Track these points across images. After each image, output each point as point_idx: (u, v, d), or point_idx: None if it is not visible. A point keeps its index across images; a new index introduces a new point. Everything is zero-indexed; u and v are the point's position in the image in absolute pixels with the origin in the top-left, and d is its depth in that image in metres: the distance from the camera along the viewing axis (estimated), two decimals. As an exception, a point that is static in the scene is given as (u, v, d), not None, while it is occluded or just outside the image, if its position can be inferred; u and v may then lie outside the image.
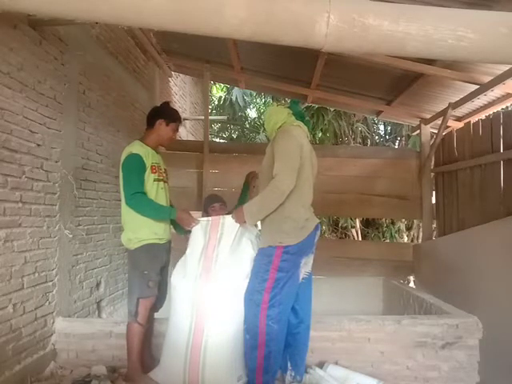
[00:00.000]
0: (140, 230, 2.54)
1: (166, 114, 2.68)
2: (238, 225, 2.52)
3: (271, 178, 2.37)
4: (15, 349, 2.39)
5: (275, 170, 2.36)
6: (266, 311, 2.36)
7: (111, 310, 3.71)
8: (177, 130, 2.75)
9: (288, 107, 2.68)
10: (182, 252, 2.63)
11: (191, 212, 2.65)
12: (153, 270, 2.55)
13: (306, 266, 2.53)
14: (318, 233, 2.57)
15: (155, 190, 2.58)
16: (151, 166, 2.57)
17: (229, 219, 2.54)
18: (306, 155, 2.46)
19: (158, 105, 2.83)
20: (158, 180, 2.62)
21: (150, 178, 2.56)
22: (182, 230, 2.73)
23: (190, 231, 2.62)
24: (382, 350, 2.86)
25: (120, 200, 2.60)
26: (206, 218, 2.65)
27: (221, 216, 2.61)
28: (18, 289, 2.42)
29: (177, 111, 2.79)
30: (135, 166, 2.50)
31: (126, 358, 2.57)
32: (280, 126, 2.59)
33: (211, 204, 3.17)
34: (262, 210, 2.42)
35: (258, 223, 2.61)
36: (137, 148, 2.56)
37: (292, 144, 2.42)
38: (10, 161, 2.34)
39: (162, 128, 2.66)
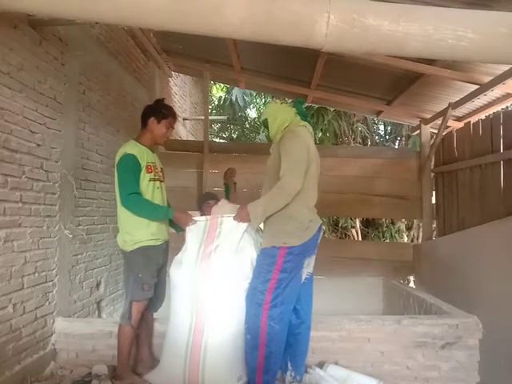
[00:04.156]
0: (136, 232, 2.51)
1: (156, 111, 2.62)
2: (237, 223, 2.48)
3: (277, 179, 2.34)
4: (15, 349, 2.39)
5: (282, 171, 2.34)
6: (267, 311, 2.36)
7: (111, 310, 3.71)
8: (170, 126, 2.67)
9: (293, 106, 2.64)
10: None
11: (191, 212, 2.63)
12: (148, 273, 2.52)
13: (308, 266, 2.53)
14: (321, 234, 2.55)
15: (151, 189, 2.55)
16: (146, 166, 2.54)
17: (227, 219, 2.50)
18: (312, 156, 2.44)
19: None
20: (154, 180, 2.59)
21: (145, 177, 2.53)
22: (180, 228, 2.68)
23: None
24: (381, 350, 2.86)
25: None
26: (204, 217, 2.63)
27: (219, 215, 2.57)
28: (17, 289, 2.42)
29: (170, 107, 2.72)
30: (130, 166, 2.47)
31: (116, 359, 2.59)
32: (287, 126, 2.54)
33: (206, 201, 3.21)
34: (268, 211, 2.39)
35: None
36: (131, 148, 2.53)
37: (300, 145, 2.39)
38: (9, 161, 2.34)
39: (153, 126, 2.61)
